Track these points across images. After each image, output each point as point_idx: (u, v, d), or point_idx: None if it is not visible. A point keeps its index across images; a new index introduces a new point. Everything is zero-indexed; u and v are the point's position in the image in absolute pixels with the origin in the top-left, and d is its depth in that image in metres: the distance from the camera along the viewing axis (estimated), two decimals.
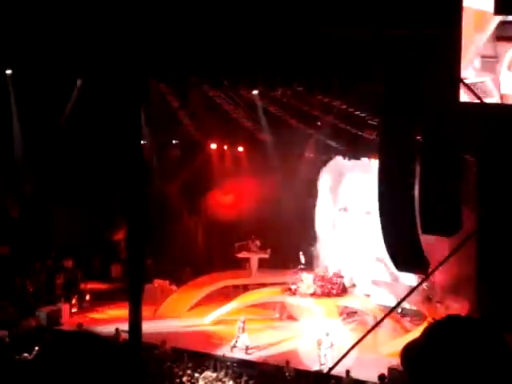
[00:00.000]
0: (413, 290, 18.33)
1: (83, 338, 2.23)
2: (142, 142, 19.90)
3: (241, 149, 28.78)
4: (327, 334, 22.20)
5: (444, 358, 2.17)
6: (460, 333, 2.21)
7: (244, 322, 23.17)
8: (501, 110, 15.41)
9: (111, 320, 23.94)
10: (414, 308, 25.58)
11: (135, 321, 18.87)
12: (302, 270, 26.59)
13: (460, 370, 2.15)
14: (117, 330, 21.63)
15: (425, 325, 22.73)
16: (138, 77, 17.99)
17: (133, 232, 19.57)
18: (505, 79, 15.54)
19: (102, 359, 2.18)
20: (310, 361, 21.67)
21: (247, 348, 22.49)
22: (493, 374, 2.13)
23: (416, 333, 22.38)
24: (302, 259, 26.97)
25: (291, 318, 26.11)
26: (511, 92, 15.57)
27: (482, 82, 15.59)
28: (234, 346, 22.64)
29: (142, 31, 17.23)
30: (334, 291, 25.72)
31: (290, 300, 25.93)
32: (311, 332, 24.09)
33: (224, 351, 22.32)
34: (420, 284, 22.04)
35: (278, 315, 26.32)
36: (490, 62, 15.58)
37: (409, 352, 2.24)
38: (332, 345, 21.79)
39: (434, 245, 17.96)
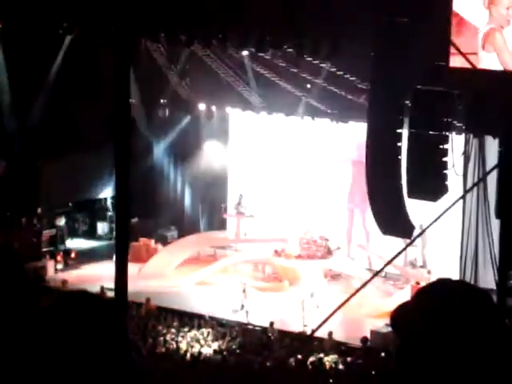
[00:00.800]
0: (397, 254, 18.43)
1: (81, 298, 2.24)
2: (130, 100, 19.81)
3: (229, 110, 28.71)
4: (311, 296, 22.37)
5: (433, 320, 2.19)
6: (450, 295, 2.23)
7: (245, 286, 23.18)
8: (492, 75, 15.40)
9: (96, 278, 23.98)
10: (398, 272, 25.75)
11: (121, 279, 18.92)
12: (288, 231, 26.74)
13: (449, 332, 2.17)
14: (102, 288, 21.68)
15: (408, 288, 22.95)
16: (127, 34, 17.88)
17: (120, 191, 19.57)
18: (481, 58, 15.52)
19: (94, 317, 2.19)
20: (294, 322, 21.83)
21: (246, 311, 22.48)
22: (484, 336, 2.16)
23: (399, 296, 22.65)
24: (288, 221, 27.11)
25: (276, 279, 26.24)
26: None
27: None
28: (242, 309, 22.56)
29: None
30: (319, 253, 25.84)
31: (275, 261, 26.05)
32: (296, 293, 24.28)
33: (208, 311, 22.43)
34: (405, 249, 22.19)
35: (262, 275, 26.46)
36: None
37: (400, 315, 2.26)
38: (317, 306, 21.96)
39: None
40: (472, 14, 15.21)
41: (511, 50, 15.13)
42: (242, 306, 22.59)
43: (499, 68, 15.28)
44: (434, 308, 2.22)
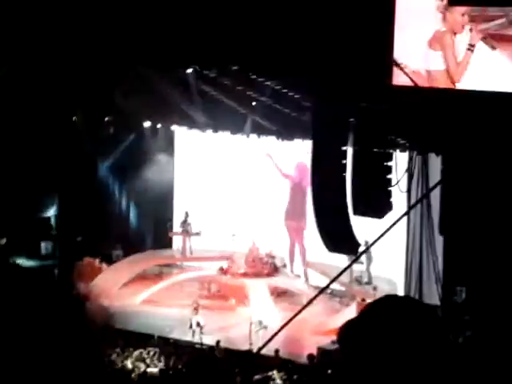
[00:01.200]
0: (343, 271, 18.51)
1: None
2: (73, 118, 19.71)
3: (174, 128, 28.63)
4: (257, 315, 22.32)
5: (380, 336, 2.19)
6: (397, 311, 2.22)
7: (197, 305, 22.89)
8: (435, 93, 15.59)
9: None
10: (343, 289, 25.85)
11: None
12: (234, 249, 26.72)
13: (396, 347, 2.17)
14: None
15: (354, 305, 23.04)
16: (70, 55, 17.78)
17: (63, 209, 19.39)
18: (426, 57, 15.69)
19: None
20: (240, 340, 21.75)
21: (201, 328, 22.19)
22: (429, 350, 2.16)
23: (346, 313, 22.72)
24: (233, 239, 27.09)
25: (222, 297, 26.17)
26: (422, 70, 15.66)
27: None
28: (192, 327, 22.25)
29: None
30: (266, 271, 25.84)
31: (221, 279, 25.97)
32: (242, 311, 24.24)
33: (154, 331, 22.25)
34: (350, 265, 22.29)
35: (208, 293, 26.36)
36: None
37: (346, 331, 2.25)
38: (262, 325, 21.91)
39: None
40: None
41: (457, 54, 15.29)
42: (194, 324, 22.25)
43: (441, 67, 15.43)
44: (379, 324, 2.21)
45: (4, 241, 26.56)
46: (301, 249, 27.18)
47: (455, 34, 15.31)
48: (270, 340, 14.74)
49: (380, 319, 2.23)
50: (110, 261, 27.99)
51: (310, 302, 18.85)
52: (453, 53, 15.29)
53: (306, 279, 26.60)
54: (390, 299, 2.33)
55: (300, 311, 17.13)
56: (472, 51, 15.21)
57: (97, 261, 27.61)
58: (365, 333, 2.21)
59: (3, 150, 25.14)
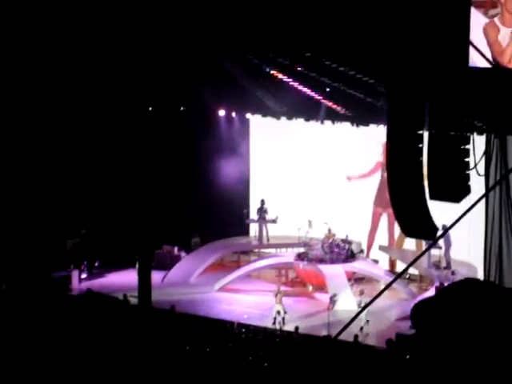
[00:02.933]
0: (420, 255, 18.40)
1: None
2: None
3: (248, 116, 28.75)
4: (335, 299, 22.31)
5: (455, 317, 2.21)
6: (475, 294, 2.25)
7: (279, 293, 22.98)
8: (510, 74, 15.33)
9: (120, 286, 24.05)
10: (422, 274, 25.67)
11: (145, 286, 19.00)
12: (310, 236, 26.75)
13: (467, 328, 2.19)
14: (125, 295, 21.72)
15: (432, 290, 22.84)
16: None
17: (142, 199, 19.65)
18: None
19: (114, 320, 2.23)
20: (319, 326, 21.78)
21: (283, 319, 22.33)
22: (499, 334, 2.17)
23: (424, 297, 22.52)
24: (310, 225, 27.10)
25: (300, 283, 26.23)
26: None
27: None
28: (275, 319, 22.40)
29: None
30: (342, 257, 25.82)
31: (298, 266, 26.03)
32: (319, 297, 24.29)
33: (232, 317, 22.41)
34: (427, 249, 22.14)
35: (285, 280, 26.46)
36: None
37: (420, 308, 2.28)
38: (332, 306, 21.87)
39: None
40: None
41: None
42: (274, 312, 22.33)
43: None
44: (456, 305, 2.24)
45: (84, 231, 27.01)
46: (390, 234, 27.18)
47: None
48: (347, 325, 14.69)
49: (458, 301, 2.26)
50: (188, 249, 28.31)
51: (387, 287, 18.73)
52: (497, 42, 15.06)
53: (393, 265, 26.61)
54: (469, 282, 2.36)
55: (377, 296, 17.00)
56: None
57: (175, 249, 27.96)
58: (440, 312, 2.24)
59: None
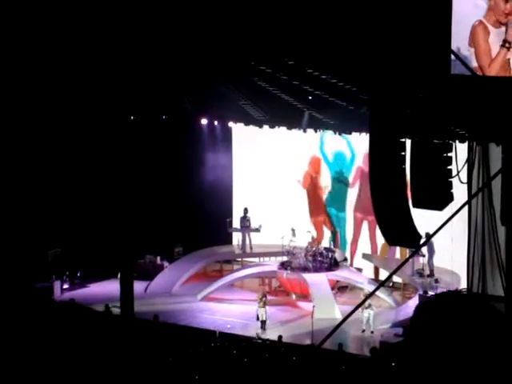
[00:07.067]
0: (403, 263, 18.37)
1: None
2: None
3: (231, 124, 28.72)
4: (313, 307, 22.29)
5: (435, 331, 2.16)
6: (448, 308, 2.20)
7: (265, 297, 23.22)
8: (493, 82, 15.36)
9: (102, 296, 23.92)
10: (406, 281, 25.67)
11: (127, 297, 18.88)
12: (293, 244, 26.70)
13: (451, 341, 2.14)
14: (107, 306, 21.59)
15: (416, 298, 22.86)
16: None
17: (123, 209, 19.57)
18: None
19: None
20: (302, 335, 21.74)
21: (264, 323, 22.52)
22: (488, 352, 2.13)
23: (408, 305, 22.56)
24: (294, 234, 27.07)
25: (283, 292, 26.18)
26: None
27: None
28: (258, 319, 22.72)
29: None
30: (326, 265, 25.77)
31: (282, 274, 25.97)
32: (302, 306, 24.24)
33: (215, 327, 22.34)
34: (410, 257, 22.13)
35: (269, 289, 26.40)
36: None
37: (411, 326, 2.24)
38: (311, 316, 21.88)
39: None
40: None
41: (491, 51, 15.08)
42: (260, 316, 22.61)
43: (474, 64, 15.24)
44: (431, 320, 2.19)
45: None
46: (373, 241, 27.23)
47: (499, 23, 15.07)
48: (331, 333, 14.67)
49: (432, 315, 2.21)
50: (171, 258, 28.21)
51: (371, 295, 18.74)
52: (484, 49, 15.06)
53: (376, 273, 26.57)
54: (443, 296, 2.31)
55: (360, 304, 17.04)
56: (508, 48, 14.97)
57: (158, 258, 27.85)
58: (418, 329, 2.20)
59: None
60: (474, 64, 15.28)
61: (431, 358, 2.18)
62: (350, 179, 27.78)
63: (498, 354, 2.15)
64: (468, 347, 2.15)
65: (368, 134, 17.78)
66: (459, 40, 15.15)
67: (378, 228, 26.07)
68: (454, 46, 15.21)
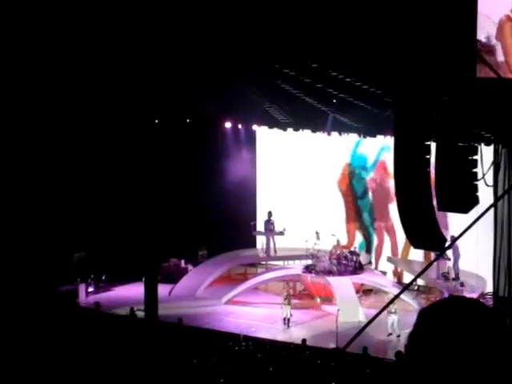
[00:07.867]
0: (428, 266, 18.29)
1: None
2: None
3: (255, 127, 28.71)
4: (337, 310, 22.26)
5: (436, 341, 2.14)
6: (450, 314, 2.17)
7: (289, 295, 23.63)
8: None
9: (127, 299, 23.99)
10: (430, 285, 25.55)
11: (151, 300, 18.91)
12: (318, 248, 26.65)
13: (453, 351, 2.11)
14: (131, 309, 21.66)
15: None
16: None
17: (148, 212, 19.60)
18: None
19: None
20: (327, 338, 21.67)
21: (288, 320, 22.88)
22: (488, 356, 2.09)
23: None
24: (318, 237, 27.01)
25: (307, 295, 26.13)
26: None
27: None
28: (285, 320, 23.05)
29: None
30: (350, 269, 25.71)
31: (306, 278, 25.93)
32: (327, 309, 24.18)
33: (240, 330, 22.33)
34: (435, 260, 22.03)
35: (293, 292, 26.36)
36: None
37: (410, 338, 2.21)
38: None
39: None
40: None
41: None
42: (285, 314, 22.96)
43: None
44: (432, 329, 2.17)
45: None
46: (392, 245, 27.27)
47: None
48: (355, 337, 14.60)
49: (433, 323, 2.18)
50: (195, 261, 28.24)
51: (395, 298, 18.64)
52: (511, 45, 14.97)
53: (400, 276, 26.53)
54: (448, 302, 2.27)
55: (384, 308, 16.93)
56: None
57: (182, 262, 27.89)
58: (418, 339, 2.17)
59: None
60: (501, 58, 15.17)
61: (431, 364, 2.16)
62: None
63: (499, 362, 2.12)
64: (469, 354, 2.12)
65: (392, 137, 17.71)
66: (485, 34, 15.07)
67: (393, 233, 26.46)
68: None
